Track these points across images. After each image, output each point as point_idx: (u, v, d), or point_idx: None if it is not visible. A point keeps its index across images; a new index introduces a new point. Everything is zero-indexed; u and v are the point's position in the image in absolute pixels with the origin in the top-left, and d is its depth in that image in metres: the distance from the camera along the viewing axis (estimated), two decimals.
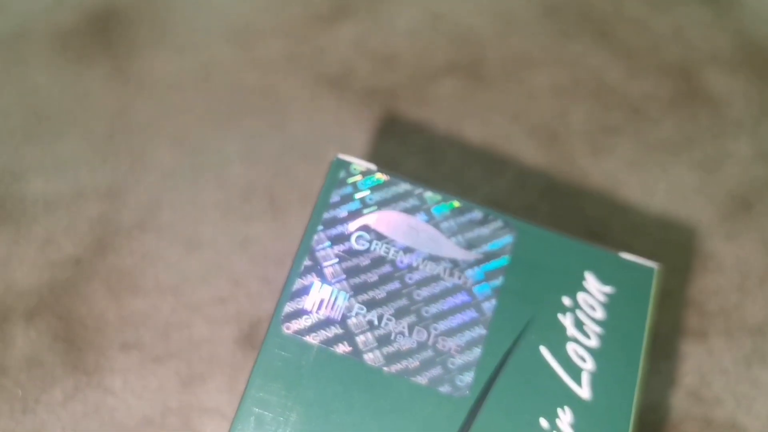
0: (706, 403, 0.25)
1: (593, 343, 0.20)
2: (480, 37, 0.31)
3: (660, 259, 0.28)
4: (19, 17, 0.31)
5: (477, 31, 0.32)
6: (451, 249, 0.20)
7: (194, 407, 0.24)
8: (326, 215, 0.20)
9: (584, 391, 0.19)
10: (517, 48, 0.31)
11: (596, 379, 0.19)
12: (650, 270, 0.21)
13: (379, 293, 0.19)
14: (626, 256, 0.21)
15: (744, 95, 0.31)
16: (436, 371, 0.19)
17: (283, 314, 0.19)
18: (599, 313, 0.20)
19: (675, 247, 0.28)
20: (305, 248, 0.20)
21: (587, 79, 0.31)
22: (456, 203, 0.21)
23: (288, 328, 0.19)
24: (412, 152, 0.29)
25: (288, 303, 0.19)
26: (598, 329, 0.20)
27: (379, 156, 0.28)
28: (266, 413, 0.18)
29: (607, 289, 0.20)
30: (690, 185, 0.29)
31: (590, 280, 0.20)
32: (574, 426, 0.19)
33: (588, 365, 0.19)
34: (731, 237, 0.28)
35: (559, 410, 0.19)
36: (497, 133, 0.29)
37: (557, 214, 0.28)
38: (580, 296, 0.20)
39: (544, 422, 0.19)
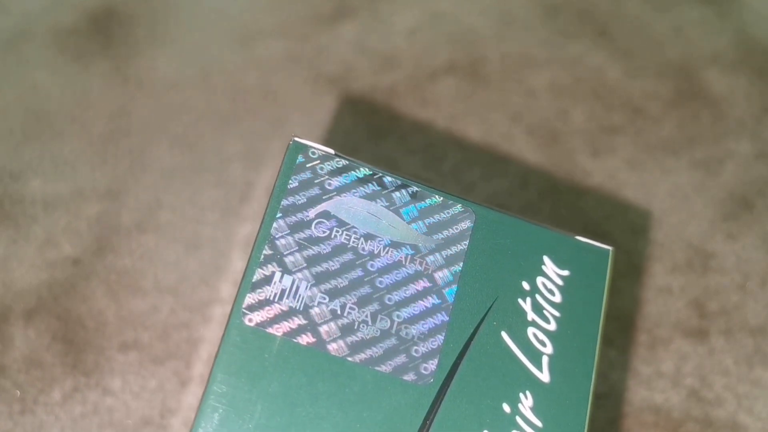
0: (707, 403, 0.25)
1: (552, 326, 0.20)
2: (480, 37, 0.31)
3: (660, 259, 0.28)
4: (18, 17, 0.31)
5: (477, 31, 0.32)
6: (412, 235, 0.20)
7: (193, 408, 0.24)
8: (285, 202, 0.19)
9: (544, 375, 0.19)
10: (517, 48, 0.31)
11: (555, 363, 0.19)
12: (606, 252, 0.21)
13: (342, 281, 0.19)
14: (582, 238, 0.21)
15: (745, 94, 0.31)
16: (400, 359, 0.19)
17: (243, 306, 0.19)
18: (557, 297, 0.20)
19: (675, 247, 0.28)
20: (264, 237, 0.19)
21: (587, 79, 0.31)
22: (415, 188, 0.20)
23: (250, 321, 0.18)
24: (412, 152, 0.29)
25: (248, 294, 0.19)
26: (556, 313, 0.20)
27: (379, 155, 0.28)
28: (230, 408, 0.18)
29: (564, 272, 0.20)
30: (691, 185, 0.29)
31: (548, 264, 0.20)
32: (534, 410, 0.19)
33: (547, 349, 0.20)
34: (732, 237, 0.28)
35: (520, 395, 0.19)
36: (497, 133, 0.29)
37: (557, 214, 0.28)
38: (539, 280, 0.20)
39: (506, 407, 0.19)
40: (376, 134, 0.29)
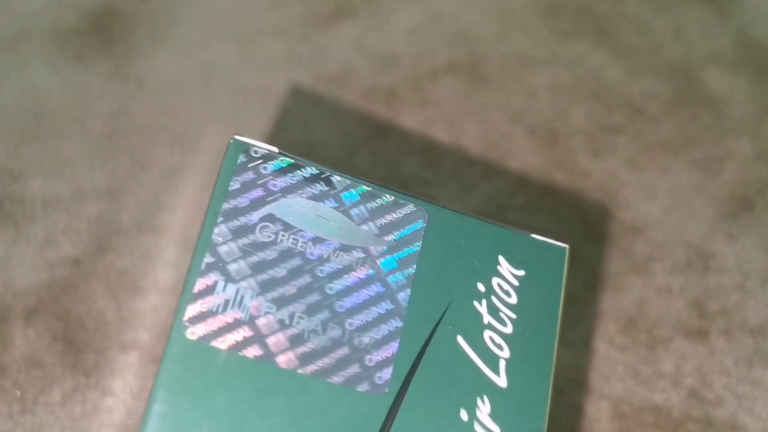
0: (707, 403, 0.25)
1: (508, 329, 0.19)
2: (480, 37, 0.31)
3: (660, 259, 0.28)
4: (18, 17, 0.31)
5: (477, 31, 0.32)
6: (362, 237, 0.19)
7: None
8: (226, 205, 0.18)
9: (501, 380, 0.19)
10: (517, 48, 0.31)
11: (512, 367, 0.19)
12: (562, 250, 0.20)
13: (289, 289, 0.18)
14: (537, 237, 0.20)
15: (745, 94, 0.31)
16: (353, 369, 0.18)
17: (185, 319, 0.17)
18: (513, 298, 0.19)
19: (675, 247, 0.28)
20: (204, 244, 0.18)
21: (587, 79, 0.31)
22: (365, 188, 0.19)
23: (192, 334, 0.17)
24: (412, 152, 0.29)
25: (190, 306, 0.17)
26: (512, 315, 0.19)
27: (380, 155, 0.28)
28: (173, 430, 0.17)
29: (520, 272, 0.20)
30: (691, 185, 0.29)
31: (503, 264, 0.20)
32: (492, 416, 0.18)
33: (504, 353, 0.19)
34: (733, 237, 0.28)
35: (478, 400, 0.18)
36: (497, 133, 0.29)
37: (557, 214, 0.28)
38: (495, 281, 0.19)
39: (464, 414, 0.18)
40: (376, 134, 0.29)
